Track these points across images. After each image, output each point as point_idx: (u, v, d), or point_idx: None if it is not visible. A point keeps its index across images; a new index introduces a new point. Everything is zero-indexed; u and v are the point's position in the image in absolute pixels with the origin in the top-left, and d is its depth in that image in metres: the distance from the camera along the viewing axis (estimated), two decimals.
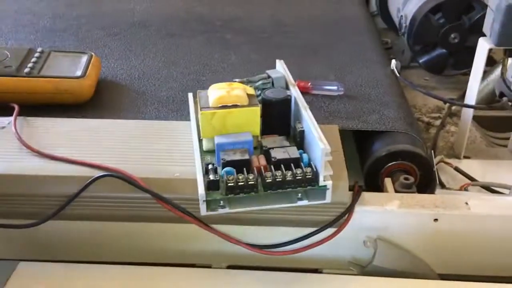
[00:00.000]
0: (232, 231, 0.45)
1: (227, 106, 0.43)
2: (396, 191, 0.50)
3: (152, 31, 0.78)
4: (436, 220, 0.46)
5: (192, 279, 0.45)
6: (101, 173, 0.44)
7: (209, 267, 0.49)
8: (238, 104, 0.42)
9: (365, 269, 0.47)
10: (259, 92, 0.46)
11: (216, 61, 0.69)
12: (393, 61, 0.68)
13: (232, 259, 0.49)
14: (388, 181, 0.51)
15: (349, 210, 0.45)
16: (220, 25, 0.80)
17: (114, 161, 0.46)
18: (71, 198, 0.44)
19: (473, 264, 0.49)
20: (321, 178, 0.40)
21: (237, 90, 0.43)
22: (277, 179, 0.39)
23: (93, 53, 0.62)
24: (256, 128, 0.43)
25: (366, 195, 0.48)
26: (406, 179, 0.50)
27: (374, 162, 0.52)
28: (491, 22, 0.57)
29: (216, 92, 0.43)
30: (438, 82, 0.85)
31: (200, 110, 0.43)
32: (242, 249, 0.45)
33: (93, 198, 0.45)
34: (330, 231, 0.45)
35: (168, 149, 0.48)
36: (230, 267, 0.49)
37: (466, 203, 0.47)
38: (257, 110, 0.43)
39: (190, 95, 0.51)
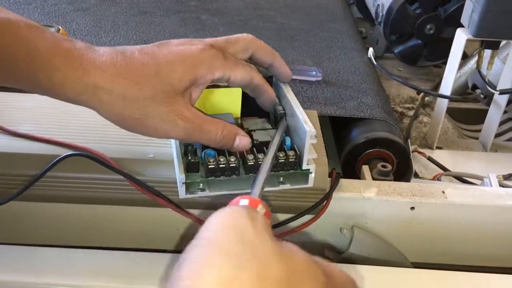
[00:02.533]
0: (207, 215, 0.43)
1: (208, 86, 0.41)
2: (374, 179, 0.50)
3: (123, 8, 0.75)
4: (413, 208, 0.46)
5: (163, 265, 0.43)
6: (69, 152, 0.42)
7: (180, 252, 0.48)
8: (219, 84, 0.41)
9: (341, 256, 0.47)
10: None
11: None
12: (371, 49, 0.68)
13: None
14: (365, 168, 0.51)
15: (328, 196, 0.44)
16: (195, 5, 0.78)
17: (84, 140, 0.43)
18: (35, 178, 0.41)
19: (447, 254, 0.49)
20: (304, 162, 0.38)
21: None
22: (260, 162, 0.37)
23: (60, 27, 0.59)
24: (237, 110, 0.42)
25: (343, 182, 0.47)
26: (383, 166, 0.50)
27: (352, 149, 0.51)
28: (469, 13, 0.57)
29: None
30: (411, 73, 0.86)
31: None
32: None
33: (60, 179, 0.42)
34: (308, 217, 0.44)
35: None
36: None
37: (443, 192, 0.47)
38: (238, 91, 0.41)
39: None
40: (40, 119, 0.46)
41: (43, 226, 0.46)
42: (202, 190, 0.39)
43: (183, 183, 0.37)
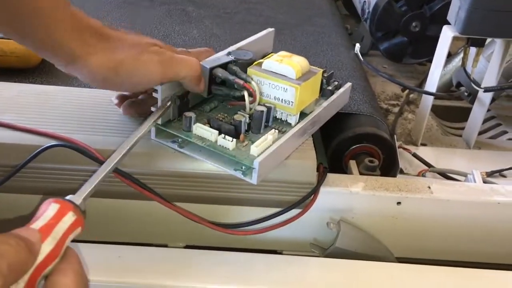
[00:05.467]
0: (192, 209, 0.43)
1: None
2: (361, 174, 0.49)
3: None
4: (399, 203, 0.46)
5: (148, 259, 0.43)
6: (52, 142, 0.41)
7: (165, 246, 0.47)
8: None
9: (327, 251, 0.47)
10: None
11: (177, 34, 0.66)
12: (357, 45, 0.68)
13: (189, 238, 0.47)
14: (352, 163, 0.51)
15: (315, 191, 0.44)
16: None
17: (67, 130, 0.42)
18: (17, 168, 0.40)
19: (431, 249, 0.49)
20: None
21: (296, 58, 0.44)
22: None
23: None
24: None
25: (330, 177, 0.47)
26: (370, 161, 0.50)
27: (339, 144, 0.51)
28: (456, 11, 0.58)
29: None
30: (395, 70, 0.86)
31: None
32: (200, 228, 0.43)
33: (43, 170, 0.41)
34: (294, 212, 0.44)
35: (126, 120, 0.45)
36: (187, 247, 0.47)
37: (429, 187, 0.47)
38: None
39: None
40: (21, 108, 0.45)
41: (23, 219, 0.45)
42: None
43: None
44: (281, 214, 0.44)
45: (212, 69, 0.42)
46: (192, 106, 0.44)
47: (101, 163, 0.40)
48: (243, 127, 0.41)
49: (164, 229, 0.46)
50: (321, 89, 0.47)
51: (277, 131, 0.41)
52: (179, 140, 0.41)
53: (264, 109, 0.41)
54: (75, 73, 0.38)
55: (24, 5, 0.35)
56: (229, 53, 0.45)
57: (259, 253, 0.44)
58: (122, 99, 0.45)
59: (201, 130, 0.40)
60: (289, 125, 0.43)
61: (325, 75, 0.48)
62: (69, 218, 0.28)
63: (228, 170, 0.40)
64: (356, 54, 0.67)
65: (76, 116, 0.44)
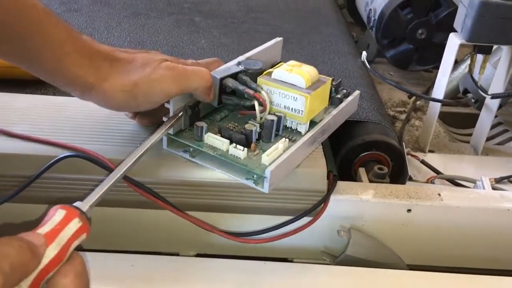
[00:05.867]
0: (203, 218, 0.43)
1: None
2: (370, 181, 0.50)
3: (117, 9, 0.74)
4: (409, 210, 0.46)
5: (160, 267, 0.43)
6: (66, 153, 0.41)
7: (176, 255, 0.47)
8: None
9: (338, 259, 0.47)
10: None
11: (185, 43, 0.67)
12: (364, 53, 0.68)
13: (200, 247, 0.47)
14: (362, 171, 0.51)
15: (325, 199, 0.44)
16: (188, 8, 0.78)
17: (80, 140, 0.43)
18: (31, 179, 0.41)
19: (442, 256, 0.49)
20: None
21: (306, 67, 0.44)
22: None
23: None
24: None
25: (340, 184, 0.47)
26: (380, 169, 0.50)
27: (349, 152, 0.51)
28: (463, 18, 0.58)
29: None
30: (402, 77, 0.87)
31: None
32: (212, 236, 0.43)
33: (57, 180, 0.42)
34: (305, 220, 0.44)
35: (139, 130, 0.45)
36: (198, 255, 0.47)
37: (439, 194, 0.47)
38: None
39: None
40: (35, 119, 0.45)
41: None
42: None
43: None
44: (292, 222, 0.44)
45: (222, 79, 0.43)
46: (203, 116, 0.44)
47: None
48: (254, 136, 0.41)
49: (176, 238, 0.46)
50: (330, 97, 0.47)
51: (287, 139, 0.42)
52: (191, 149, 0.42)
53: (275, 118, 0.42)
54: (91, 100, 0.39)
55: (33, 39, 0.35)
56: (239, 63, 0.45)
57: (270, 261, 0.45)
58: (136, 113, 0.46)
59: (213, 139, 0.41)
60: (299, 133, 0.44)
61: (334, 83, 0.48)
62: (75, 224, 0.29)
63: (240, 179, 0.40)
64: (363, 62, 0.67)
65: (89, 126, 0.45)
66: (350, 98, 0.49)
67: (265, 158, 0.39)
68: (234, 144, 0.40)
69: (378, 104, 0.58)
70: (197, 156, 0.42)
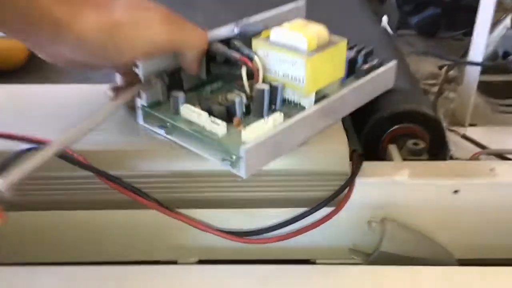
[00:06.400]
0: (200, 215, 0.35)
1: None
2: (404, 160, 0.41)
3: None
4: (456, 191, 0.37)
5: (155, 278, 0.35)
6: (26, 146, 0.34)
7: (174, 263, 0.39)
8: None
9: (371, 257, 0.38)
10: None
11: None
12: (385, 17, 0.59)
13: (201, 252, 0.39)
14: (393, 148, 0.42)
15: (350, 183, 0.36)
16: None
17: (44, 132, 0.35)
18: None
19: (500, 246, 0.40)
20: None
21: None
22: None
23: None
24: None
25: (367, 165, 0.38)
26: (415, 144, 0.41)
27: (375, 126, 0.43)
28: None
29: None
30: (428, 48, 0.77)
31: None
32: (212, 239, 0.35)
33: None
34: (326, 210, 0.36)
35: (121, 116, 0.38)
36: (200, 262, 0.39)
37: (491, 170, 0.38)
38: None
39: None
40: None
41: None
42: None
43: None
44: (309, 214, 0.35)
45: (209, 44, 0.35)
46: (190, 87, 0.37)
47: (85, 167, 0.33)
48: (239, 109, 0.33)
49: (170, 243, 0.38)
50: (353, 67, 0.39)
51: (283, 114, 0.33)
52: (168, 124, 0.34)
53: (266, 87, 0.33)
54: (62, 47, 0.31)
55: None
56: (234, 26, 0.37)
57: (287, 264, 0.36)
58: (118, 90, 0.38)
59: (189, 112, 0.33)
60: (303, 109, 0.35)
61: (362, 51, 0.40)
62: None
63: (216, 160, 0.32)
64: (384, 28, 0.58)
65: (61, 115, 0.37)
66: (381, 69, 0.40)
67: (246, 134, 0.31)
68: (212, 118, 0.32)
69: (406, 69, 0.49)
70: (174, 132, 0.34)
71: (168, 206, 0.34)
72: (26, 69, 0.47)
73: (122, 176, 0.33)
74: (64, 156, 0.33)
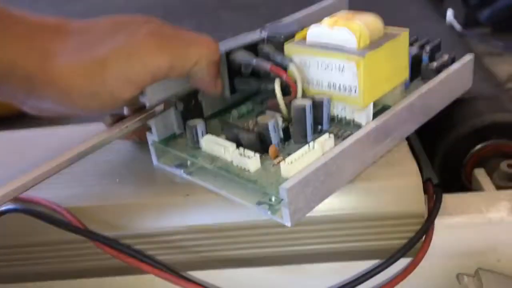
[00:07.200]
0: (226, 277, 0.27)
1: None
2: (498, 188, 0.31)
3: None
4: None
5: None
6: (5, 206, 0.27)
7: None
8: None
9: None
10: None
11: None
12: (449, 10, 0.49)
13: None
14: (480, 174, 0.32)
15: (428, 226, 0.26)
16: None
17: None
18: None
19: None
20: None
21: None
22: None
23: None
24: None
25: (449, 199, 0.29)
26: (511, 166, 0.31)
27: (454, 146, 0.33)
28: None
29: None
30: (501, 47, 0.66)
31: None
32: None
33: None
34: (401, 263, 0.27)
35: (119, 158, 0.30)
36: None
37: None
38: None
39: None
40: None
41: None
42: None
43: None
44: (380, 270, 0.26)
45: (229, 53, 0.27)
46: (213, 113, 0.29)
47: (79, 232, 0.26)
48: (274, 135, 0.25)
49: None
50: (418, 66, 0.30)
51: (332, 136, 0.25)
52: (188, 163, 0.27)
53: (308, 103, 0.25)
54: (42, 101, 0.25)
55: None
56: (262, 29, 0.29)
57: None
58: (118, 118, 0.31)
59: (212, 144, 0.25)
60: (358, 126, 0.27)
61: (427, 46, 0.31)
62: None
63: (249, 204, 0.24)
64: (450, 24, 0.48)
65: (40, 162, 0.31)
66: (455, 66, 0.31)
67: (287, 167, 0.23)
68: (241, 150, 0.24)
69: (485, 72, 0.39)
70: (195, 172, 0.27)
71: (179, 270, 0.26)
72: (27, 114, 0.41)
73: (120, 237, 0.26)
74: (53, 218, 0.26)
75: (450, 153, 0.33)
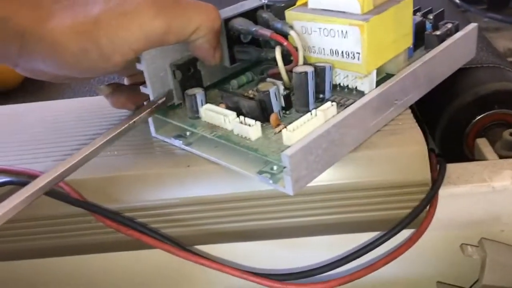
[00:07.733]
0: (224, 253, 0.27)
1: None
2: (500, 157, 0.30)
3: None
4: None
5: None
6: (6, 179, 0.26)
7: None
8: None
9: None
10: None
11: None
12: None
13: None
14: (482, 143, 0.32)
15: (433, 195, 0.26)
16: None
17: (26, 160, 0.28)
18: None
19: None
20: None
21: None
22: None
23: None
24: None
25: (453, 169, 0.28)
26: None
27: (456, 116, 0.33)
28: None
29: None
30: (500, 23, 0.65)
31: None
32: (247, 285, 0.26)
33: None
34: (403, 234, 0.26)
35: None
36: None
37: None
38: None
39: None
40: None
41: None
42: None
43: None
44: (382, 242, 0.26)
45: (227, 20, 0.26)
46: (212, 83, 0.29)
47: (78, 204, 0.25)
48: (275, 102, 0.24)
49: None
50: (421, 33, 0.29)
51: (335, 104, 0.24)
52: (187, 133, 0.26)
53: (310, 70, 0.24)
54: (33, 60, 0.25)
55: None
56: None
57: None
58: (114, 86, 0.30)
59: (212, 113, 0.24)
60: (360, 94, 0.26)
61: (430, 15, 0.30)
62: None
63: (251, 174, 0.23)
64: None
65: (46, 137, 0.30)
66: (459, 34, 0.30)
67: (288, 134, 0.23)
68: (241, 117, 0.24)
69: (486, 42, 0.39)
70: (194, 142, 0.26)
71: (183, 244, 0.26)
72: (25, 89, 0.41)
73: (121, 210, 0.25)
74: (54, 192, 0.25)
75: (452, 123, 0.33)
